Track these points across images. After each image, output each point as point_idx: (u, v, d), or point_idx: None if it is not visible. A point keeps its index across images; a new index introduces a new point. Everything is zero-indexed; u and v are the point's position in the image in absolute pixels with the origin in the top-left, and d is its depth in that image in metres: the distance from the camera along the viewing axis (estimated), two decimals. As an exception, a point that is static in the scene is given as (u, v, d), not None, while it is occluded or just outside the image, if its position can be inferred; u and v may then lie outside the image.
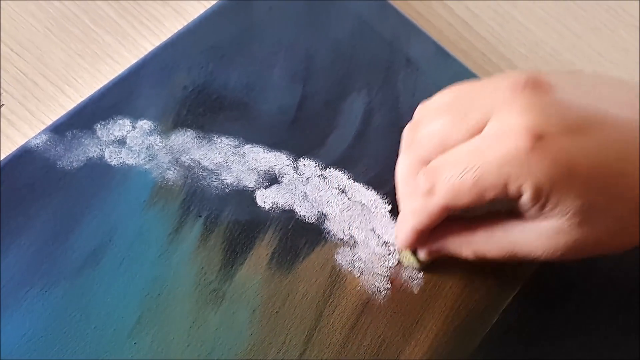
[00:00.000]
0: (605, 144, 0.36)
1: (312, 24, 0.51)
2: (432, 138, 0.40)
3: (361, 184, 0.46)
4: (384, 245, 0.45)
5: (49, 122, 0.47)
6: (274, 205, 0.45)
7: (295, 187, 0.46)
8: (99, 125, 0.46)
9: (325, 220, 0.45)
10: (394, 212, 0.45)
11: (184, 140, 0.46)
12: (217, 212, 0.45)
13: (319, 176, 0.46)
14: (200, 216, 0.44)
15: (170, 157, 0.46)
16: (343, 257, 0.44)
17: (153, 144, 0.46)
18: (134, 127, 0.46)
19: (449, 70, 0.48)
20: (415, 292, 0.44)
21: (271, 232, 0.44)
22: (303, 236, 0.45)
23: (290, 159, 0.46)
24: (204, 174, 0.46)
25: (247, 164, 0.46)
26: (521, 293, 0.44)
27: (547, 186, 0.36)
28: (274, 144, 0.47)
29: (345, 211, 0.45)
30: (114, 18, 0.52)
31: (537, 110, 0.36)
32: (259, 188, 0.46)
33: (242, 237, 0.44)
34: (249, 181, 0.46)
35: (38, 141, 0.45)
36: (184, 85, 0.48)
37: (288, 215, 0.45)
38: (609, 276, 0.46)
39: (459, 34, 0.55)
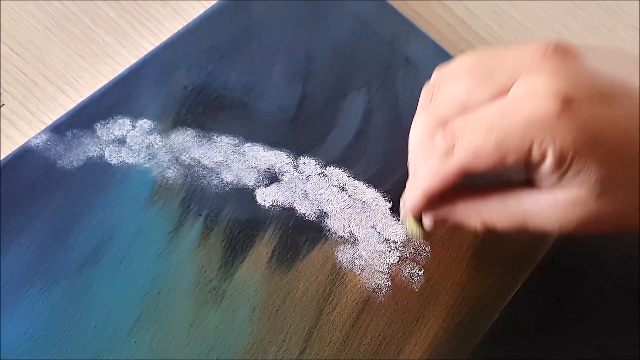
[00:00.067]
0: (633, 115, 0.36)
1: (311, 24, 0.51)
2: (453, 98, 0.38)
3: (361, 182, 0.46)
4: (384, 242, 0.45)
5: (49, 122, 0.47)
6: (274, 204, 0.45)
7: (296, 185, 0.46)
8: (99, 125, 0.46)
9: (326, 218, 0.45)
10: (395, 209, 0.45)
11: (184, 139, 0.46)
12: (217, 210, 0.45)
13: (319, 174, 0.46)
14: (200, 215, 0.44)
15: (170, 156, 0.46)
16: (343, 255, 0.44)
17: (153, 143, 0.46)
18: (133, 127, 0.46)
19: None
20: (416, 289, 0.44)
21: (271, 230, 0.44)
22: (303, 234, 0.45)
23: (290, 157, 0.47)
24: (204, 172, 0.46)
25: (247, 162, 0.46)
26: (522, 291, 0.44)
27: (571, 152, 0.35)
28: (274, 143, 0.47)
29: (345, 209, 0.45)
30: (113, 18, 0.52)
31: (567, 76, 0.36)
32: (259, 186, 0.46)
33: (242, 236, 0.44)
34: (249, 179, 0.46)
35: (38, 141, 0.45)
36: (184, 85, 0.48)
37: (288, 213, 0.45)
38: (609, 275, 0.46)
39: (458, 34, 0.55)
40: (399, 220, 0.45)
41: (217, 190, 0.45)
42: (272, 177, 0.46)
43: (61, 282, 0.42)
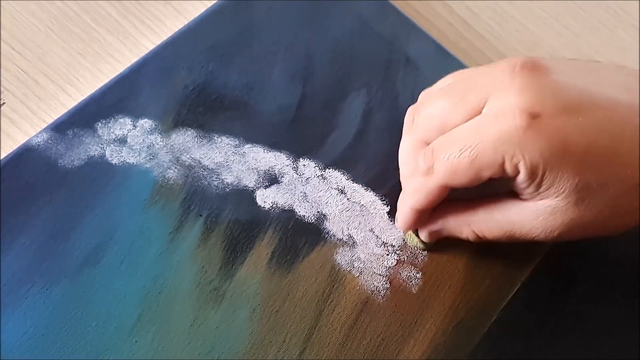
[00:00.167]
0: (600, 124, 0.37)
1: (311, 24, 0.51)
2: (431, 119, 0.41)
3: (360, 185, 0.46)
4: (382, 245, 0.45)
5: (50, 121, 0.47)
6: (274, 205, 0.45)
7: (295, 187, 0.46)
8: (100, 124, 0.46)
9: (325, 221, 0.45)
10: (393, 213, 0.45)
11: (185, 140, 0.46)
12: (218, 211, 0.45)
13: (318, 176, 0.46)
14: (200, 215, 0.45)
15: (170, 156, 0.46)
16: (342, 257, 0.44)
17: (154, 142, 0.46)
18: (134, 126, 0.47)
19: (448, 69, 0.48)
20: (414, 291, 0.44)
21: (271, 232, 0.45)
22: (303, 236, 0.45)
23: (290, 159, 0.47)
24: (205, 173, 0.46)
25: (247, 163, 0.46)
26: (520, 292, 0.45)
27: (542, 164, 0.36)
28: (274, 144, 0.47)
29: (344, 212, 0.45)
30: (115, 17, 0.52)
31: (534, 91, 0.37)
32: (259, 188, 0.46)
33: (242, 237, 0.44)
34: (249, 181, 0.46)
35: (39, 140, 0.45)
36: (185, 85, 0.48)
37: (288, 215, 0.45)
38: (609, 275, 0.46)
39: (459, 33, 0.55)
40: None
41: (217, 191, 0.45)
42: (272, 179, 0.46)
43: (62, 282, 0.42)
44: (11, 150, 0.45)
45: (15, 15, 0.51)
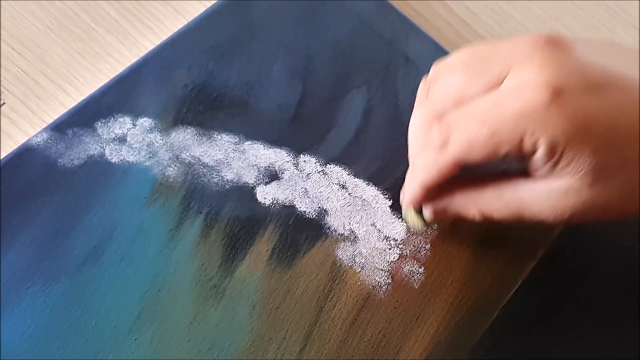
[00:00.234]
0: (623, 104, 0.36)
1: (311, 23, 0.51)
2: (448, 92, 0.39)
3: (362, 180, 0.46)
4: (384, 240, 0.45)
5: (50, 121, 0.47)
6: (275, 201, 0.45)
7: (296, 183, 0.46)
8: (99, 123, 0.46)
9: (326, 216, 0.45)
10: (395, 207, 0.45)
11: (185, 138, 0.46)
12: (218, 208, 0.45)
13: (319, 172, 0.46)
14: (200, 212, 0.45)
15: (170, 154, 0.46)
16: (344, 253, 0.44)
17: (153, 141, 0.46)
18: (134, 125, 0.47)
19: (448, 68, 0.48)
20: (416, 287, 0.44)
21: (271, 228, 0.45)
22: (303, 232, 0.45)
23: (291, 155, 0.47)
24: (205, 170, 0.46)
25: (248, 160, 0.46)
26: (521, 289, 0.44)
27: (562, 142, 0.35)
28: (274, 141, 0.47)
29: (345, 207, 0.45)
30: (114, 17, 0.52)
31: (557, 66, 0.36)
32: (259, 184, 0.46)
33: (243, 233, 0.44)
34: (249, 177, 0.46)
35: (39, 139, 0.45)
36: (184, 84, 0.48)
37: (288, 211, 0.45)
38: (610, 274, 0.46)
39: (458, 33, 0.55)
40: (399, 218, 0.45)
41: (217, 188, 0.45)
42: (272, 175, 0.46)
43: (62, 280, 0.42)
44: (11, 150, 0.45)
45: (15, 15, 0.51)
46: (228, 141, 0.47)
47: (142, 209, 0.44)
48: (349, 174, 0.46)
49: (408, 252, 0.44)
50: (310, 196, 0.45)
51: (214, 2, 0.52)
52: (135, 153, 0.46)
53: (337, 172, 0.46)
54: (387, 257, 0.44)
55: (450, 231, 0.45)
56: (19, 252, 0.43)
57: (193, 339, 0.41)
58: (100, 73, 0.50)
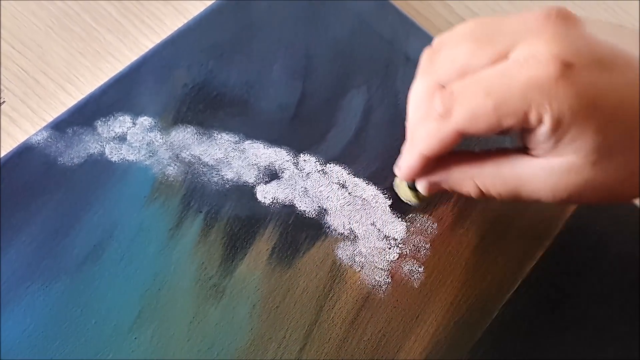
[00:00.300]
0: (631, 83, 0.36)
1: (311, 22, 0.51)
2: (453, 62, 0.38)
3: (361, 179, 0.46)
4: (384, 239, 0.45)
5: (50, 119, 0.47)
6: (274, 201, 0.45)
7: (296, 183, 0.46)
8: (99, 122, 0.46)
9: (326, 215, 0.45)
10: (394, 206, 0.45)
11: (184, 137, 0.46)
12: (218, 207, 0.45)
13: (319, 171, 0.46)
14: (200, 212, 0.45)
15: (170, 153, 0.46)
16: (343, 252, 0.44)
17: (153, 140, 0.46)
18: (134, 124, 0.47)
19: (447, 68, 0.48)
20: (416, 286, 0.44)
21: (271, 227, 0.45)
22: (303, 231, 0.45)
23: (291, 154, 0.47)
24: (205, 169, 0.46)
25: (248, 159, 0.46)
26: (521, 288, 0.45)
27: (569, 117, 0.35)
28: (274, 140, 0.47)
29: (345, 206, 0.45)
30: (115, 16, 0.52)
31: (568, 40, 0.35)
32: (259, 183, 0.46)
33: (243, 233, 0.44)
34: (249, 177, 0.46)
35: (39, 138, 0.46)
36: (184, 83, 0.48)
37: (288, 210, 0.45)
38: (610, 273, 0.46)
39: (458, 33, 0.55)
40: (399, 218, 0.45)
41: (217, 187, 0.45)
42: (272, 175, 0.46)
43: (62, 279, 0.42)
44: (11, 149, 0.45)
45: (15, 14, 0.51)
46: (228, 140, 0.47)
47: (142, 208, 0.44)
48: (348, 174, 0.46)
49: (408, 252, 0.44)
50: (310, 195, 0.46)
51: (214, 1, 0.52)
52: (135, 152, 0.46)
53: (337, 171, 0.46)
54: (387, 257, 0.44)
55: (451, 230, 0.45)
56: (19, 251, 0.43)
57: (193, 338, 0.41)
58: (100, 72, 0.50)
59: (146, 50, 0.50)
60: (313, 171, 0.46)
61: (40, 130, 0.46)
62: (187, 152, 0.46)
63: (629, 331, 0.45)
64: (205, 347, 0.41)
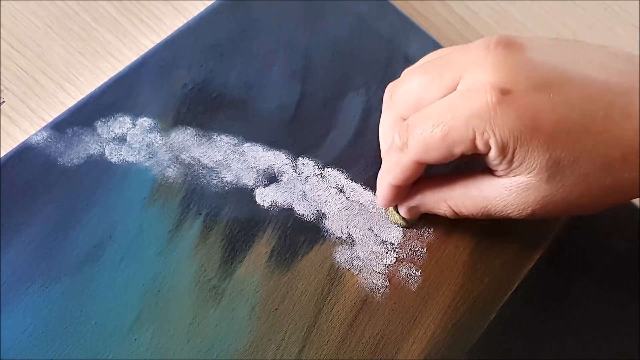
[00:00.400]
0: (571, 101, 0.37)
1: (311, 23, 0.51)
2: (408, 95, 0.41)
3: (359, 184, 0.46)
4: (381, 243, 0.45)
5: (50, 119, 0.47)
6: (273, 204, 0.45)
7: (294, 186, 0.46)
8: (99, 123, 0.47)
9: (324, 219, 0.45)
10: (391, 211, 0.46)
11: (184, 138, 0.47)
12: (217, 209, 0.45)
13: (317, 175, 0.46)
14: (200, 214, 0.45)
15: (170, 154, 0.46)
16: (341, 255, 0.44)
17: (153, 141, 0.46)
18: (134, 125, 0.47)
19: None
20: (413, 289, 0.44)
21: (270, 230, 0.45)
22: (302, 234, 0.45)
23: (289, 157, 0.47)
24: (204, 171, 0.46)
25: (247, 162, 0.46)
26: (519, 290, 0.45)
27: (512, 140, 0.36)
28: (273, 143, 0.47)
29: (343, 210, 0.46)
30: (114, 16, 0.52)
31: (506, 68, 0.37)
32: (258, 186, 0.46)
33: (242, 235, 0.44)
34: (249, 179, 0.46)
35: (38, 138, 0.46)
36: (184, 83, 0.48)
37: (287, 213, 0.45)
38: (608, 274, 0.46)
39: (458, 32, 0.55)
40: (395, 223, 0.45)
41: (216, 189, 0.45)
42: (271, 178, 0.46)
43: (62, 280, 0.42)
44: (11, 149, 0.45)
45: (14, 14, 0.51)
46: (227, 142, 0.47)
47: (142, 209, 0.44)
48: (346, 178, 0.46)
49: (405, 256, 0.45)
50: (309, 199, 0.46)
51: (214, 1, 0.52)
52: (135, 153, 0.46)
53: (335, 175, 0.46)
54: (384, 260, 0.44)
55: (447, 234, 0.45)
56: (19, 251, 0.43)
57: (192, 340, 0.42)
58: (100, 72, 0.50)
59: (146, 50, 0.50)
60: (311, 175, 0.46)
61: (40, 131, 0.46)
62: (187, 154, 0.46)
63: (629, 331, 0.45)
64: (204, 348, 0.41)
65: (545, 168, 0.37)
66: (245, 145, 0.47)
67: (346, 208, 0.46)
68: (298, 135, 0.48)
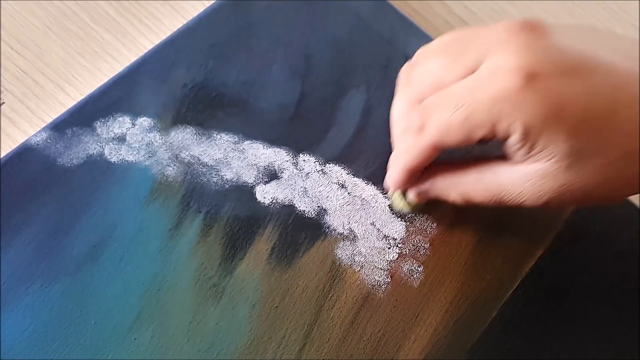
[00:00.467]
0: (598, 88, 0.36)
1: (310, 22, 0.51)
2: (427, 77, 0.40)
3: (361, 179, 0.46)
4: (384, 239, 0.45)
5: (49, 120, 0.47)
6: (274, 201, 0.45)
7: (295, 183, 0.46)
8: (98, 123, 0.46)
9: (325, 215, 0.45)
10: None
11: (184, 137, 0.46)
12: (217, 207, 0.45)
13: (318, 171, 0.46)
14: (200, 212, 0.45)
15: (170, 153, 0.46)
16: (343, 252, 0.44)
17: (153, 140, 0.46)
18: (133, 124, 0.47)
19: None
20: (415, 286, 0.44)
21: (271, 227, 0.45)
22: (303, 231, 0.45)
23: (290, 154, 0.47)
24: (204, 170, 0.46)
25: (247, 159, 0.46)
26: (521, 288, 0.45)
27: (536, 126, 0.36)
28: (273, 140, 0.47)
29: (345, 206, 0.45)
30: (113, 16, 0.52)
31: (532, 51, 0.36)
32: (258, 183, 0.46)
33: (242, 233, 0.44)
34: (249, 177, 0.46)
35: (38, 139, 0.45)
36: (184, 83, 0.48)
37: (288, 210, 0.45)
38: (609, 273, 0.46)
39: (457, 32, 0.55)
40: (398, 217, 0.45)
41: (216, 187, 0.45)
42: (271, 175, 0.46)
43: (61, 279, 0.42)
44: (10, 150, 0.45)
45: (13, 14, 0.51)
46: (227, 140, 0.47)
47: (142, 208, 0.44)
48: (348, 173, 0.46)
49: (407, 251, 0.44)
50: (310, 195, 0.46)
51: (213, 1, 0.52)
52: (135, 152, 0.46)
53: (337, 171, 0.46)
54: (387, 256, 0.44)
55: (450, 230, 0.45)
56: (19, 251, 0.43)
57: (192, 339, 0.41)
58: (99, 72, 0.50)
59: (145, 50, 0.50)
60: (312, 171, 0.46)
61: (39, 131, 0.46)
62: (187, 153, 0.46)
63: (629, 331, 0.45)
64: (204, 347, 0.41)
65: (567, 156, 0.36)
66: (246, 142, 0.47)
67: (348, 203, 0.46)
68: (299, 132, 0.48)
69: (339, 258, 0.44)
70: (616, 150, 0.37)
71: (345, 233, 0.45)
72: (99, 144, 0.46)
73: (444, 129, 0.38)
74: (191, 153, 0.46)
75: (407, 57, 0.50)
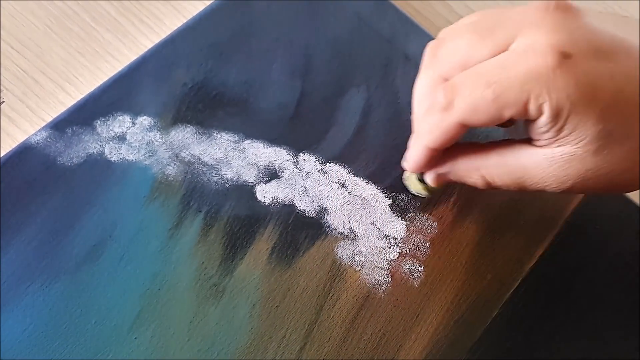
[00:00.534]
0: (630, 72, 0.36)
1: (310, 22, 0.51)
2: (455, 54, 0.39)
3: (361, 178, 0.46)
4: (384, 238, 0.45)
5: (49, 119, 0.47)
6: (274, 200, 0.45)
7: (295, 182, 0.46)
8: (98, 122, 0.46)
9: (326, 214, 0.45)
10: (394, 206, 0.45)
11: (184, 136, 0.46)
12: (217, 207, 0.45)
13: (319, 171, 0.46)
14: (200, 211, 0.45)
15: (170, 152, 0.46)
16: (343, 251, 0.44)
17: (153, 140, 0.46)
18: (133, 124, 0.47)
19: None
20: (416, 285, 0.44)
21: (271, 227, 0.45)
22: (303, 230, 0.45)
23: (290, 154, 0.47)
24: (204, 169, 0.46)
25: (247, 159, 0.46)
26: (521, 287, 0.45)
27: (568, 106, 0.35)
28: (273, 140, 0.47)
29: (345, 205, 0.45)
30: (114, 16, 0.52)
31: (566, 31, 0.36)
32: (259, 183, 0.46)
33: (242, 232, 0.44)
34: (249, 176, 0.46)
35: (38, 138, 0.45)
36: (184, 82, 0.48)
37: (288, 209, 0.45)
38: (610, 272, 0.46)
39: (458, 32, 0.55)
40: (398, 217, 0.45)
41: (217, 187, 0.45)
42: (272, 174, 0.46)
43: (62, 279, 0.42)
44: (11, 149, 0.45)
45: (14, 14, 0.51)
46: (228, 140, 0.47)
47: (142, 207, 0.44)
48: (348, 173, 0.46)
49: (408, 251, 0.44)
50: (310, 195, 0.46)
51: (214, 1, 0.52)
52: (135, 152, 0.46)
53: (337, 170, 0.46)
54: (387, 256, 0.44)
55: (450, 229, 0.45)
56: (19, 251, 0.43)
57: (193, 338, 0.41)
58: (99, 72, 0.50)
59: (145, 49, 0.50)
60: (313, 170, 0.46)
61: (39, 130, 0.46)
62: (187, 152, 0.46)
63: (629, 331, 0.45)
64: (205, 346, 0.41)
65: (595, 139, 0.35)
66: (246, 142, 0.47)
67: (348, 203, 0.45)
68: (299, 131, 0.47)
69: (340, 257, 0.44)
70: None
71: (345, 232, 0.45)
72: (99, 143, 0.46)
73: (473, 107, 0.36)
74: (191, 152, 0.46)
75: (407, 57, 0.50)
